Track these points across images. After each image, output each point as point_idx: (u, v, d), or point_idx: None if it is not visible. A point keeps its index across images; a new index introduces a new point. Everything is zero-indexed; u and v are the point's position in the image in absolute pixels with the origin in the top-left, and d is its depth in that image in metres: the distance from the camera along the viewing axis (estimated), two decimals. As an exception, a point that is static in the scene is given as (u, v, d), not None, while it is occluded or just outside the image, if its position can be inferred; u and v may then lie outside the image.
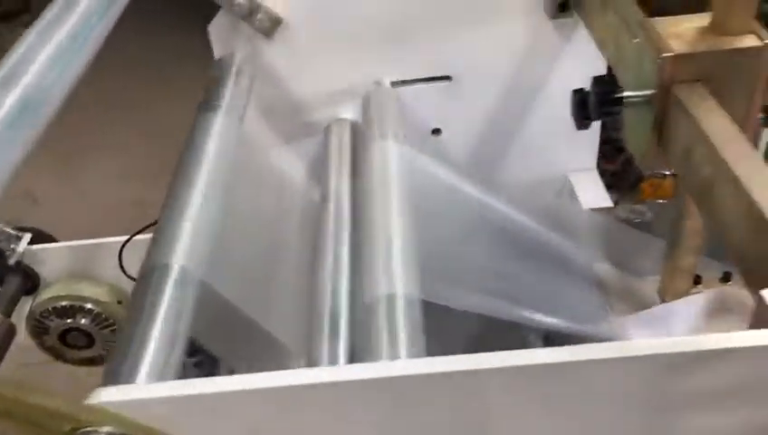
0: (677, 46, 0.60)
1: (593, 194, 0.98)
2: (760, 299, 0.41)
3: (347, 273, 0.70)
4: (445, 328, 0.87)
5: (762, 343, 0.39)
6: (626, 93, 0.62)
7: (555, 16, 0.87)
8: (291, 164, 0.94)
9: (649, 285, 0.81)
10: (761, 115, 0.66)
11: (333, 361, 0.61)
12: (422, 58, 0.94)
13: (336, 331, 0.64)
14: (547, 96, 0.96)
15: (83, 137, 2.19)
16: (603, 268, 0.83)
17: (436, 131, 0.99)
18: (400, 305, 0.60)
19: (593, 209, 0.95)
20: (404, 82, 0.95)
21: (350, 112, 0.95)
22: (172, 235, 0.61)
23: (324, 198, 0.81)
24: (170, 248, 0.59)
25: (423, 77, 0.95)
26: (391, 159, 0.78)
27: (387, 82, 0.94)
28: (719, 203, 0.52)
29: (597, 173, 1.03)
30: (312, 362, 0.62)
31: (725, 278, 0.79)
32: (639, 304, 0.80)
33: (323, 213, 0.78)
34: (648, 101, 0.62)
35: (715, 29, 0.61)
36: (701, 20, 0.62)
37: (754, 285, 0.48)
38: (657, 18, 0.65)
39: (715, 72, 0.60)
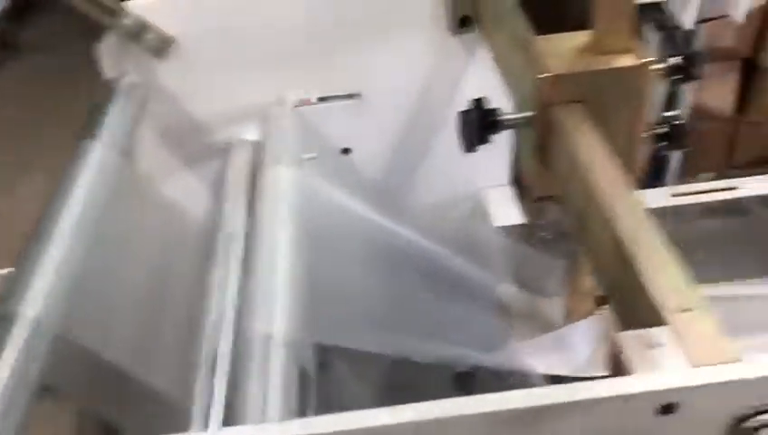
0: (555, 66, 0.57)
1: (506, 211, 0.96)
2: (613, 343, 0.39)
3: (233, 314, 0.66)
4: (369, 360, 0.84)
5: (610, 394, 0.36)
6: (504, 116, 0.60)
7: (457, 32, 0.85)
8: (191, 190, 0.90)
9: (555, 307, 0.79)
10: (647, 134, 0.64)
11: (208, 415, 0.57)
12: (327, 76, 0.91)
13: (213, 380, 0.60)
14: (457, 112, 0.94)
15: (14, 155, 2.11)
16: (508, 291, 0.81)
17: (346, 151, 0.96)
18: (277, 350, 0.56)
19: (506, 227, 0.93)
20: (309, 101, 0.92)
21: (253, 133, 0.91)
22: (26, 280, 0.56)
23: (216, 228, 0.77)
24: (21, 295, 0.55)
25: (329, 95, 0.92)
26: (283, 186, 0.74)
27: (290, 101, 0.90)
28: (590, 233, 0.50)
29: (511, 189, 1.02)
30: (187, 416, 0.58)
31: (630, 297, 0.77)
32: (545, 327, 0.78)
33: (214, 245, 0.74)
34: (529, 123, 0.60)
35: (594, 48, 0.59)
36: (584, 38, 0.60)
37: (620, 325, 0.46)
38: (542, 36, 0.63)
39: (594, 92, 0.57)
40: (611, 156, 0.52)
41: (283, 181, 0.75)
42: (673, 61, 0.59)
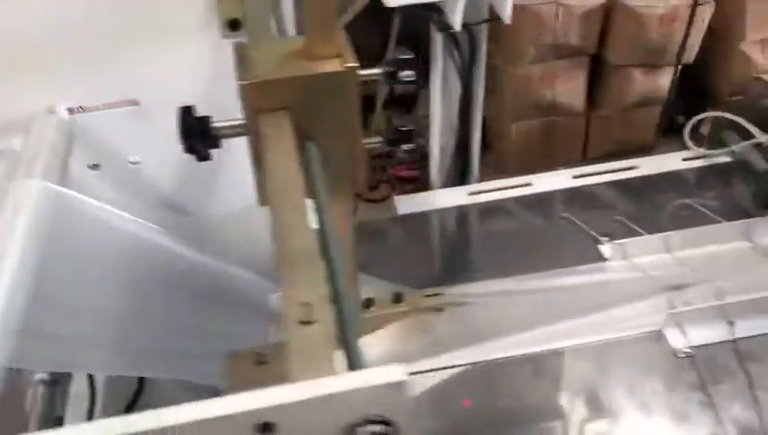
0: (259, 72, 0.56)
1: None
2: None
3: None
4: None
5: (203, 417, 0.35)
6: (217, 124, 0.58)
7: (226, 35, 0.83)
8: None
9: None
10: (380, 139, 0.65)
11: None
12: (103, 83, 0.87)
13: None
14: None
15: None
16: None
17: (134, 161, 0.93)
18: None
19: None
20: (83, 109, 0.87)
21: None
22: None
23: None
24: None
25: (107, 103, 0.88)
26: (28, 200, 0.70)
27: (62, 110, 0.86)
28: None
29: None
30: None
31: (397, 299, 0.78)
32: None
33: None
34: (243, 131, 0.58)
35: (304, 54, 0.58)
36: (296, 44, 0.59)
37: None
38: (256, 42, 0.62)
39: (300, 98, 0.57)
40: (299, 165, 0.51)
41: (28, 195, 0.70)
42: (386, 67, 0.59)
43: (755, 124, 1.06)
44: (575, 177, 1.00)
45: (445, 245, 0.95)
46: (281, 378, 0.36)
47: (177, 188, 0.94)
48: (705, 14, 1.89)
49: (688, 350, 0.76)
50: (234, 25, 0.82)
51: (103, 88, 0.87)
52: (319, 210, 0.53)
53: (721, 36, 1.98)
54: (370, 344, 0.75)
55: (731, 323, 0.78)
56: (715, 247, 0.88)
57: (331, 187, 0.64)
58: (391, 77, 0.59)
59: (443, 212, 0.96)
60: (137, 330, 0.74)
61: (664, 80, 1.99)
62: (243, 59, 0.58)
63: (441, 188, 1.06)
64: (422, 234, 0.94)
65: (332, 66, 0.57)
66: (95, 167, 0.90)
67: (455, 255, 0.92)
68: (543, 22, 1.87)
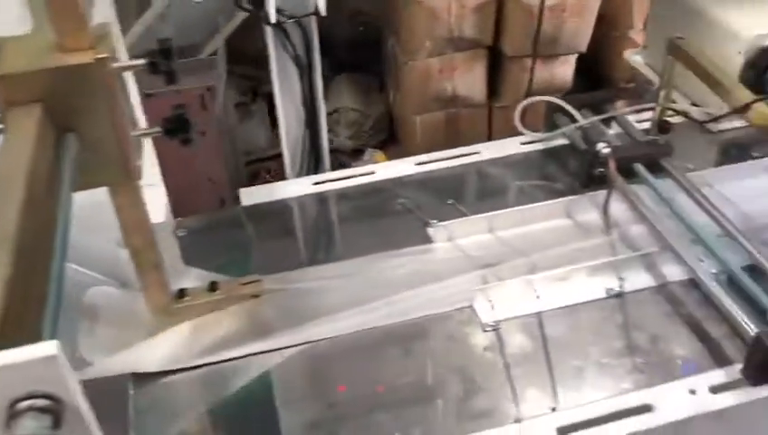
0: (5, 65, 0.57)
1: (156, 208, 0.96)
2: None
3: None
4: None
5: None
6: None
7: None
8: None
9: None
10: (157, 129, 0.66)
11: None
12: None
13: None
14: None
15: None
16: (100, 291, 0.80)
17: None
18: None
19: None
20: None
21: None
22: None
23: None
24: None
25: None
26: None
27: None
28: None
29: (162, 187, 1.02)
30: None
31: (212, 288, 0.79)
32: (132, 322, 0.78)
33: None
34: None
35: (58, 47, 0.59)
36: (51, 37, 0.60)
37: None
38: (15, 36, 0.63)
39: (53, 91, 0.57)
40: (35, 156, 0.52)
41: None
42: (148, 58, 0.60)
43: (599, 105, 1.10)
44: (418, 163, 1.03)
45: (280, 234, 0.96)
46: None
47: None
48: (595, 3, 1.95)
49: (494, 323, 0.79)
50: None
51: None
52: (59, 200, 0.54)
53: (611, 25, 2.05)
54: (181, 333, 0.76)
55: (538, 297, 0.82)
56: (537, 226, 0.91)
57: (106, 177, 0.65)
58: (152, 67, 0.61)
59: (285, 202, 0.98)
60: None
61: (560, 69, 2.05)
62: (-4, 53, 0.59)
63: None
64: (260, 224, 0.95)
65: (82, 58, 0.58)
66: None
67: (288, 243, 0.94)
68: (437, 15, 1.90)
